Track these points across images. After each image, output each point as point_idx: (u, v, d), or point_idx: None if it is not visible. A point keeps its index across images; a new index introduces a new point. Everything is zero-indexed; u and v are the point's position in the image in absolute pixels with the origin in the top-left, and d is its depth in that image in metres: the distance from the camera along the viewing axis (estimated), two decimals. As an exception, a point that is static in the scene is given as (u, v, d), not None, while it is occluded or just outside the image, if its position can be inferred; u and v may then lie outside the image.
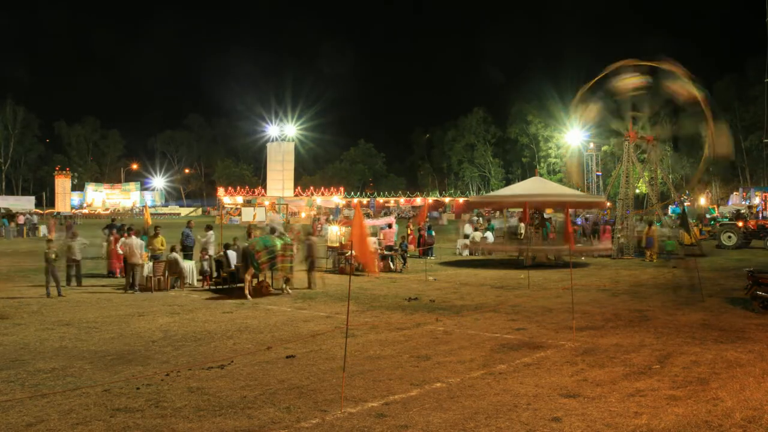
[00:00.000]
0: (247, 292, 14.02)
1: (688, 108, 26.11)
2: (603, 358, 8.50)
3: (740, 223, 27.89)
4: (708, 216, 42.43)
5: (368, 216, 38.60)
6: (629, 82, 25.89)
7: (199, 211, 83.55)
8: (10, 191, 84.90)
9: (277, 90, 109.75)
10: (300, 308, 12.82)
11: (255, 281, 15.12)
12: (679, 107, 26.28)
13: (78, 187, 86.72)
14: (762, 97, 49.01)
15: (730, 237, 27.46)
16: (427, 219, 29.24)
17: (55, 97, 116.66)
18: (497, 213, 30.57)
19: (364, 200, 72.43)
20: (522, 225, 25.89)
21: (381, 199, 76.31)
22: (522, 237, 21.50)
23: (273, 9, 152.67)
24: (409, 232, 28.33)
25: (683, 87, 25.31)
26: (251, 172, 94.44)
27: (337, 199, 69.35)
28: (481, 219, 27.58)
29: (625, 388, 7.09)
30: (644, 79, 25.93)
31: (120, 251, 16.51)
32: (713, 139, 25.14)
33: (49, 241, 14.76)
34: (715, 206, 57.44)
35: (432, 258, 23.74)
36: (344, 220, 28.68)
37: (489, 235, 25.74)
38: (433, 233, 26.04)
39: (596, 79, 26.59)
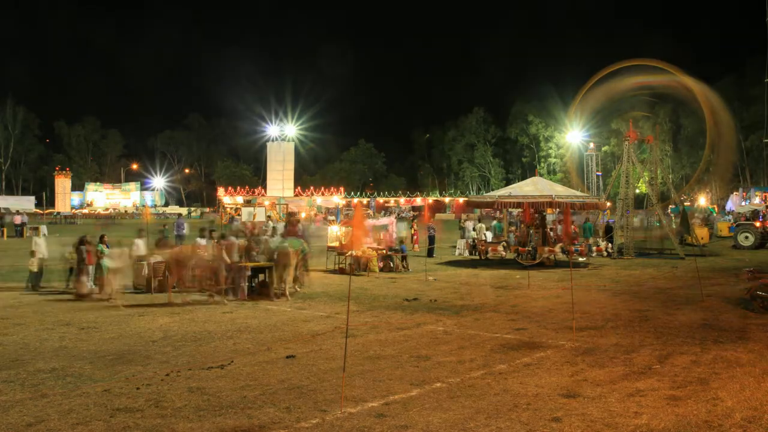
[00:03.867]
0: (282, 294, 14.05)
1: (687, 103, 26.22)
2: (603, 358, 8.49)
3: (758, 223, 27.09)
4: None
5: (368, 216, 38.52)
6: (627, 83, 26.01)
7: (199, 211, 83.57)
8: (10, 191, 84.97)
9: (277, 90, 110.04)
10: (300, 308, 12.81)
11: (255, 281, 15.13)
12: (679, 104, 26.37)
13: (78, 187, 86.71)
14: (762, 97, 49.06)
15: (747, 237, 26.72)
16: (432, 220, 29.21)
17: (55, 97, 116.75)
18: (498, 213, 30.54)
19: (364, 200, 72.41)
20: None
21: (381, 199, 76.31)
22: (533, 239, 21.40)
23: (273, 8, 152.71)
24: (413, 231, 28.32)
25: (679, 82, 25.38)
26: (251, 172, 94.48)
27: (337, 199, 69.36)
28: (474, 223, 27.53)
29: (625, 388, 7.09)
30: (641, 79, 26.04)
31: None
32: (715, 130, 25.14)
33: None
34: (714, 206, 57.50)
35: (432, 258, 23.72)
36: (345, 220, 28.66)
37: (488, 234, 25.71)
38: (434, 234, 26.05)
39: (592, 82, 26.69)
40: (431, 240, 25.47)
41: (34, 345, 9.38)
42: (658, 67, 26.46)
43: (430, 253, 24.47)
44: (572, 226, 23.56)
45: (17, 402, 6.65)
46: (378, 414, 6.27)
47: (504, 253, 21.72)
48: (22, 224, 37.93)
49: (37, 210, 69.58)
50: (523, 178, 65.37)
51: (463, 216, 37.65)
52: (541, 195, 20.88)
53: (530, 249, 20.93)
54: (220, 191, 70.48)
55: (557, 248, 20.89)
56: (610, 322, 10.99)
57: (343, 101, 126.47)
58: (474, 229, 26.48)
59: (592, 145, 70.83)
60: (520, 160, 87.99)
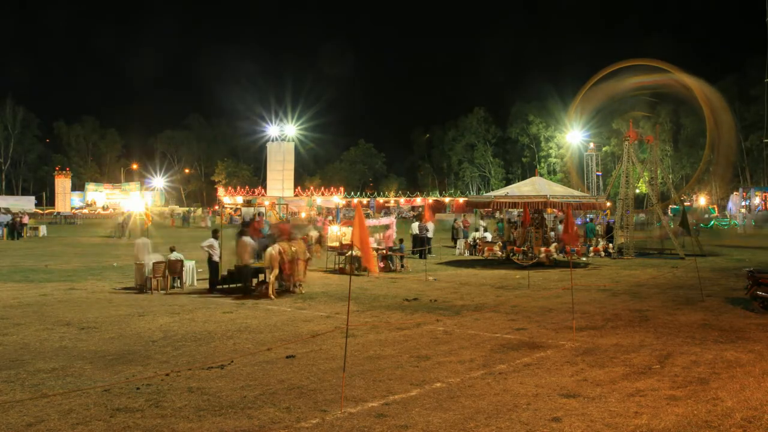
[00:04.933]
0: (271, 292, 14.04)
1: (687, 103, 26.30)
2: (603, 358, 8.50)
3: None
4: (707, 216, 42.42)
5: (368, 216, 38.54)
6: (627, 83, 26.01)
7: (199, 211, 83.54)
8: (10, 191, 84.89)
9: (277, 90, 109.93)
10: (300, 308, 12.82)
11: (255, 281, 15.16)
12: (679, 104, 26.47)
13: (78, 186, 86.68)
14: (762, 97, 49.09)
15: None
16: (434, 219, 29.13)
17: (55, 97, 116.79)
18: (497, 213, 30.58)
19: (364, 200, 72.44)
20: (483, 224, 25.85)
21: (381, 199, 76.35)
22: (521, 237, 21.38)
23: (273, 8, 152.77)
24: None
25: (679, 82, 25.39)
26: (251, 172, 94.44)
27: (337, 199, 69.41)
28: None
29: (625, 388, 7.09)
30: (641, 79, 26.06)
31: None
32: (715, 129, 25.13)
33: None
34: (714, 206, 57.49)
35: (432, 257, 23.68)
36: (345, 220, 28.65)
37: (487, 234, 25.70)
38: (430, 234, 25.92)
39: (592, 82, 26.68)
40: (426, 240, 24.84)
41: (34, 345, 9.38)
42: (658, 67, 26.49)
43: (421, 254, 23.83)
44: (575, 227, 23.52)
45: (17, 402, 6.65)
46: (378, 414, 6.27)
47: (500, 253, 21.69)
48: (21, 225, 38.06)
49: (38, 210, 69.52)
50: (523, 178, 65.38)
51: (463, 216, 37.65)
52: (537, 195, 20.88)
53: (524, 249, 20.90)
54: (220, 191, 70.48)
55: (552, 248, 20.86)
56: (610, 322, 10.99)
57: (343, 101, 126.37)
58: (476, 229, 26.47)
59: (592, 145, 70.84)
60: (521, 160, 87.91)
